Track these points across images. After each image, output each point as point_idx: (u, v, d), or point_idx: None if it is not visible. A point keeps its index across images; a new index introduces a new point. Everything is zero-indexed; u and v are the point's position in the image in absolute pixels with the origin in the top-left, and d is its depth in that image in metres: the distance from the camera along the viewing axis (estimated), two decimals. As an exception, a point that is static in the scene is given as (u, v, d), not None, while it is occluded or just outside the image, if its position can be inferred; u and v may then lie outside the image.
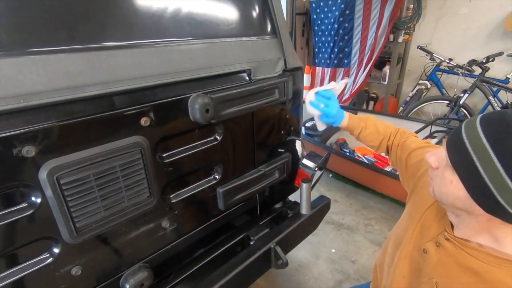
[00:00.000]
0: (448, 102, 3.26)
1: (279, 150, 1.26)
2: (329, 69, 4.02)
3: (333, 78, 4.03)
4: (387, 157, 1.10)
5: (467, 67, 3.17)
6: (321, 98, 1.07)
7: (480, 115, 0.57)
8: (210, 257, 1.12)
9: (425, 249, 0.75)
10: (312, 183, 1.26)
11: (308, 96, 1.09)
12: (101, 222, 0.75)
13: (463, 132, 0.57)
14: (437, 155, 0.65)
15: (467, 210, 0.60)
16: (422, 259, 0.77)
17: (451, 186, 0.59)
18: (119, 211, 0.78)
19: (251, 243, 1.20)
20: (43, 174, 0.63)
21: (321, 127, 1.13)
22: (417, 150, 0.93)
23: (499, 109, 3.12)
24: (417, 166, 0.89)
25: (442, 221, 0.74)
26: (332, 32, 3.77)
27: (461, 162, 0.56)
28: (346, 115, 1.06)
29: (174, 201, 0.95)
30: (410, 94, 3.74)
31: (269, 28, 1.10)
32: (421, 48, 3.45)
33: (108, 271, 0.86)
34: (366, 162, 2.67)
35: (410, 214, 0.86)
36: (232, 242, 1.19)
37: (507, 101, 3.13)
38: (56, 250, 0.73)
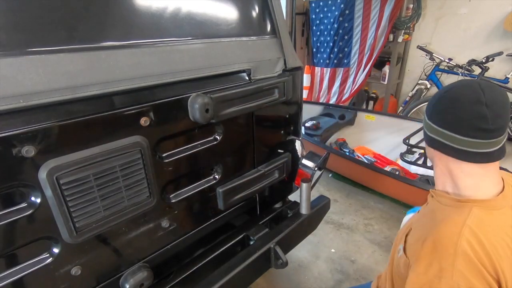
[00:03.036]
0: (447, 102, 3.25)
1: (278, 150, 1.26)
2: (329, 69, 4.02)
3: (332, 78, 4.03)
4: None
5: (467, 67, 3.17)
6: None
7: None
8: (210, 257, 1.12)
9: (419, 210, 0.90)
10: (312, 183, 1.26)
11: None
12: (101, 222, 0.75)
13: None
14: None
15: (430, 155, 0.79)
16: (414, 217, 0.89)
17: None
18: (119, 211, 0.78)
19: (251, 243, 1.20)
20: (42, 174, 0.63)
21: None
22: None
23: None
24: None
25: None
26: (332, 32, 3.77)
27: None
28: None
29: (174, 201, 0.95)
30: (410, 94, 3.74)
31: (268, 28, 1.10)
32: (421, 48, 3.46)
33: (108, 271, 0.86)
34: (366, 162, 2.67)
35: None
36: (232, 242, 1.19)
37: (506, 101, 3.13)
38: (56, 250, 0.73)
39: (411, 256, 0.73)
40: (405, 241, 0.80)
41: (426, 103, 3.63)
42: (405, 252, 0.77)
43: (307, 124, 3.04)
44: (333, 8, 3.68)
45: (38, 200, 0.67)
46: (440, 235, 0.67)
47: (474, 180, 0.71)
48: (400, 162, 2.72)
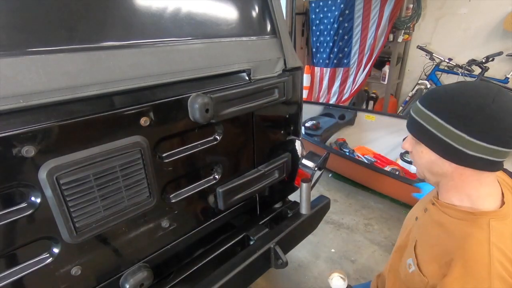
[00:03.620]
0: (447, 102, 3.25)
1: (278, 150, 1.26)
2: (328, 69, 4.02)
3: (332, 78, 4.03)
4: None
5: (467, 66, 3.17)
6: None
7: (418, 99, 0.74)
8: (210, 257, 1.12)
9: (417, 216, 0.87)
10: (312, 183, 1.26)
11: None
12: (101, 222, 0.75)
13: (413, 114, 0.74)
14: (407, 140, 0.78)
15: (442, 171, 0.71)
16: (414, 226, 0.87)
17: (424, 155, 0.73)
18: (118, 211, 0.78)
19: (251, 243, 1.20)
20: (42, 174, 0.63)
21: None
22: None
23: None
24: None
25: (432, 193, 0.84)
26: (332, 32, 3.77)
27: (421, 134, 0.71)
28: None
29: (174, 201, 0.95)
30: (410, 94, 3.74)
31: (268, 28, 1.10)
32: (421, 48, 3.45)
33: (108, 271, 0.86)
34: (366, 162, 2.67)
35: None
36: (232, 242, 1.19)
37: (506, 101, 3.13)
38: (55, 250, 0.73)
39: (432, 277, 0.71)
40: (415, 255, 0.76)
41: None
42: (419, 269, 0.74)
43: (307, 124, 3.04)
44: (333, 8, 3.68)
45: (38, 200, 0.67)
46: (469, 256, 0.64)
47: (488, 188, 0.69)
48: (400, 162, 2.72)
